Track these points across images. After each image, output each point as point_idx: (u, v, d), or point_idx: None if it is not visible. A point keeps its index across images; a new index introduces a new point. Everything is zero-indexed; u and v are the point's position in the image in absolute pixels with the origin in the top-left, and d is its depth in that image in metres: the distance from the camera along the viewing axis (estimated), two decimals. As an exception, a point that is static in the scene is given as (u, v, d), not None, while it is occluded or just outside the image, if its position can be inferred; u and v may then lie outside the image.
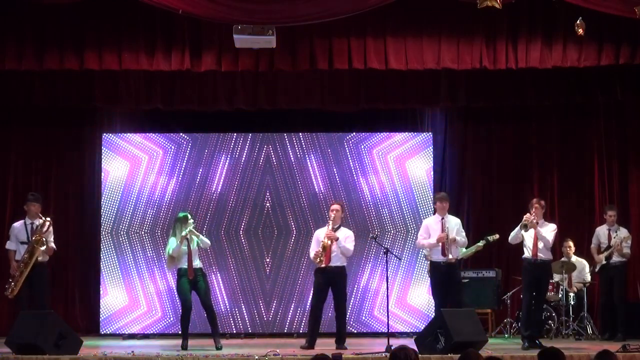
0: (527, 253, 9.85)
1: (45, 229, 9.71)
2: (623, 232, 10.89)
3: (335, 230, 9.80)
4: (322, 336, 9.95)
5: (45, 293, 9.98)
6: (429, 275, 10.33)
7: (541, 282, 9.95)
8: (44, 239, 9.65)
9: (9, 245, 9.95)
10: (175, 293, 10.18)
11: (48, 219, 9.81)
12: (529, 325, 9.82)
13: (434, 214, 10.30)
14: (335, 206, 9.99)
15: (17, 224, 9.98)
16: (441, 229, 9.80)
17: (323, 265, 9.70)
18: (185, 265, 9.78)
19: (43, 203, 10.27)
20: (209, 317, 9.91)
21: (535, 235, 9.79)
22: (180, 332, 10.06)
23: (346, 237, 9.88)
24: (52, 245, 9.94)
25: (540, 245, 9.78)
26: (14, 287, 9.59)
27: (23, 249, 9.75)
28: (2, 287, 9.88)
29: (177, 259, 9.79)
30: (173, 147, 11.87)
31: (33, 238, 9.67)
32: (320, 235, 9.90)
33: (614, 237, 10.84)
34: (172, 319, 11.56)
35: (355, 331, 11.52)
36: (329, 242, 9.69)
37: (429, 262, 10.31)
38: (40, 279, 9.81)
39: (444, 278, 9.75)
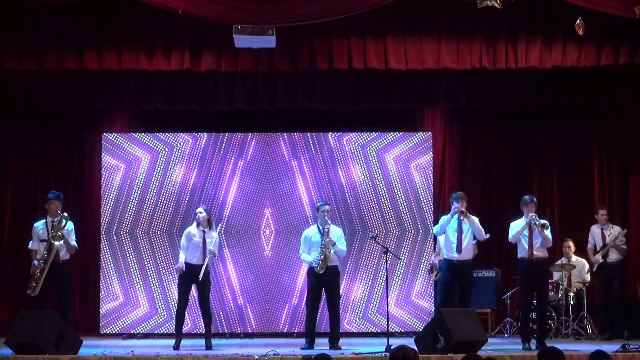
0: (524, 253, 9.76)
1: (63, 225, 9.68)
2: (616, 230, 10.92)
3: (325, 230, 9.81)
4: (318, 336, 9.96)
5: (69, 293, 9.98)
6: (441, 272, 10.19)
7: (541, 282, 9.88)
8: (60, 234, 9.63)
9: (32, 245, 9.90)
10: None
11: (66, 215, 9.77)
12: (529, 328, 9.82)
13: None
14: (327, 207, 10.00)
15: (38, 224, 9.93)
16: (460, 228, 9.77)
17: (323, 272, 9.71)
18: None
19: (43, 202, 10.25)
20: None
21: (531, 234, 9.72)
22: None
23: (338, 238, 9.91)
24: (74, 244, 9.91)
25: (537, 244, 9.72)
26: (35, 287, 9.57)
27: (43, 247, 9.70)
28: (24, 283, 9.85)
29: None
30: (173, 147, 11.87)
31: (50, 234, 9.66)
32: (311, 236, 9.93)
33: (608, 236, 10.87)
34: (172, 318, 11.57)
35: (354, 331, 11.54)
36: (331, 250, 9.72)
37: (441, 260, 10.29)
38: (64, 280, 9.80)
39: (456, 276, 9.72)
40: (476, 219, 9.83)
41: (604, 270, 10.89)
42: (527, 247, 9.70)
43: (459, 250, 9.69)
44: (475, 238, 9.92)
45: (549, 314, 10.77)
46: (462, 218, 9.70)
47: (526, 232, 9.70)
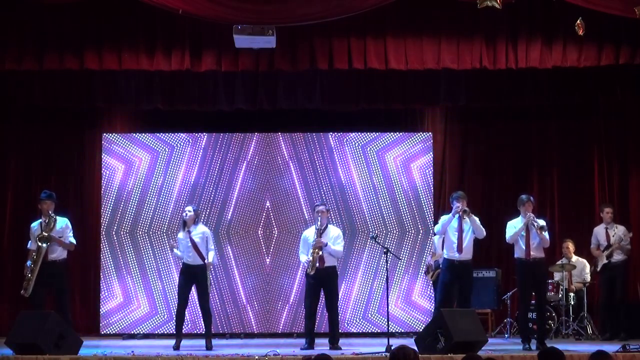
0: (520, 253, 9.72)
1: (52, 226, 9.62)
2: (621, 230, 10.91)
3: (322, 230, 9.81)
4: (318, 336, 9.96)
5: (66, 293, 9.83)
6: (441, 271, 10.15)
7: (539, 282, 9.85)
8: (47, 235, 9.56)
9: (30, 245, 9.81)
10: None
11: (54, 216, 9.68)
12: (528, 328, 9.83)
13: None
14: (322, 207, 9.98)
15: (34, 224, 9.84)
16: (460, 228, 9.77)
17: (313, 273, 9.71)
18: None
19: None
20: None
21: (528, 234, 9.68)
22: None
23: (334, 238, 9.89)
24: (71, 240, 9.81)
25: (534, 244, 9.68)
26: (27, 287, 9.51)
27: (35, 248, 9.65)
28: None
29: None
30: (173, 147, 11.87)
31: (38, 236, 9.65)
32: (308, 237, 9.92)
33: (612, 236, 10.86)
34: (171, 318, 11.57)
35: (354, 331, 11.53)
36: (319, 251, 9.71)
37: (436, 260, 10.28)
38: (58, 279, 9.68)
39: (456, 276, 9.70)
40: (476, 219, 9.82)
41: (607, 270, 10.87)
42: (524, 247, 9.68)
43: (460, 249, 9.66)
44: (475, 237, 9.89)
45: (548, 314, 10.77)
46: (464, 217, 9.67)
47: (523, 232, 9.69)
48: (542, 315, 9.93)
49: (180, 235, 10.04)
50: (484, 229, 9.82)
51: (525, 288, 9.91)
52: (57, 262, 9.70)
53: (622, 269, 10.87)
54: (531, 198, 9.92)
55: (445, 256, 9.82)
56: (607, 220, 10.98)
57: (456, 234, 9.69)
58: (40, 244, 9.52)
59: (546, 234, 9.71)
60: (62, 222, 9.77)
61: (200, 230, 9.96)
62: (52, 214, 9.70)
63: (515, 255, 9.81)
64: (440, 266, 10.13)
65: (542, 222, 9.72)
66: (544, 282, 10.09)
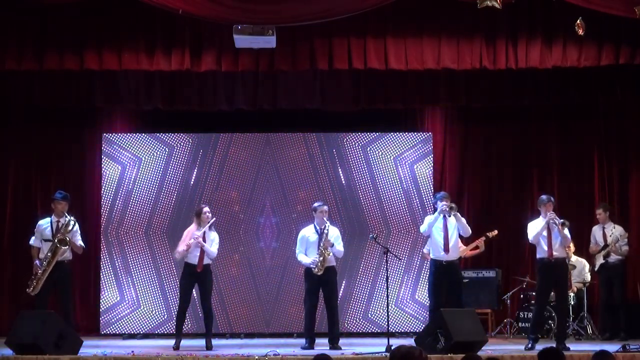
0: (542, 253, 9.63)
1: (70, 228, 9.59)
2: (618, 230, 10.90)
3: (322, 230, 9.80)
4: (318, 336, 9.94)
5: (70, 293, 9.85)
6: (429, 274, 10.19)
7: (560, 281, 9.76)
8: (68, 238, 9.55)
9: (33, 242, 9.75)
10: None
11: (72, 218, 9.67)
12: (538, 329, 9.83)
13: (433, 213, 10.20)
14: (325, 207, 9.95)
15: (43, 222, 9.79)
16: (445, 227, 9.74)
17: (321, 273, 9.69)
18: None
19: (43, 202, 10.21)
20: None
21: (549, 233, 9.61)
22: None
23: (336, 237, 9.87)
24: (81, 243, 9.81)
25: (556, 244, 9.59)
26: (36, 285, 9.50)
27: (47, 246, 9.60)
28: (24, 283, 9.76)
29: None
30: (173, 148, 11.88)
31: (57, 237, 9.59)
32: (308, 236, 9.89)
33: (610, 236, 10.86)
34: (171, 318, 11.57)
35: (354, 331, 11.53)
36: (330, 252, 9.69)
37: (428, 261, 10.30)
38: (65, 279, 9.67)
39: (444, 277, 9.68)
40: (462, 218, 9.79)
41: (605, 270, 10.87)
42: (546, 247, 9.58)
43: (446, 249, 9.63)
44: (461, 236, 9.86)
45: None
46: (453, 213, 9.63)
47: (544, 232, 9.65)
48: (564, 316, 9.89)
49: (198, 232, 9.84)
50: (469, 227, 9.79)
51: (544, 288, 9.84)
52: (65, 263, 9.70)
53: (620, 270, 10.87)
54: (552, 198, 9.88)
55: (432, 257, 9.77)
56: (601, 221, 10.98)
57: (442, 233, 9.66)
58: (59, 246, 9.49)
59: (567, 232, 9.66)
60: (75, 226, 9.76)
61: (212, 237, 9.92)
62: (69, 216, 9.68)
63: (538, 256, 9.74)
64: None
65: (563, 220, 9.68)
66: (565, 281, 9.96)
